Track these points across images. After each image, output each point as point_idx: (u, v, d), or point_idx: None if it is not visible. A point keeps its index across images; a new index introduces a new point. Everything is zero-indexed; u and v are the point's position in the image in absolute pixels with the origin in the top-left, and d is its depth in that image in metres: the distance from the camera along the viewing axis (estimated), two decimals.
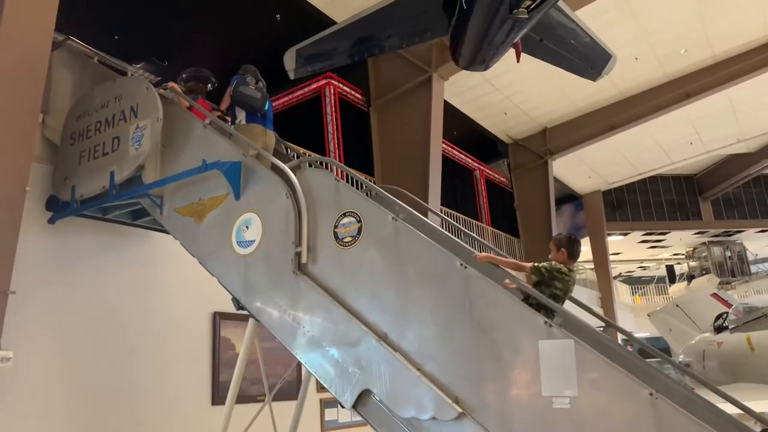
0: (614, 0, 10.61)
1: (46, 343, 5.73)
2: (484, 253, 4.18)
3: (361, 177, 4.86)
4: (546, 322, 3.38)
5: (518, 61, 5.57)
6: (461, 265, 3.80)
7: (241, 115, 5.69)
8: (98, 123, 5.75)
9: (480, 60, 5.60)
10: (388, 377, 3.81)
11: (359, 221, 4.27)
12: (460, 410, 3.48)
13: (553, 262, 4.10)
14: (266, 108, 5.84)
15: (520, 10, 4.38)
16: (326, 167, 5.91)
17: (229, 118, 5.94)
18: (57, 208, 5.93)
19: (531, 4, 4.30)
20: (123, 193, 5.47)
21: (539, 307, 3.73)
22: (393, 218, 4.19)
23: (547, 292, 3.95)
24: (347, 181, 4.89)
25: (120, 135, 5.51)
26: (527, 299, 3.86)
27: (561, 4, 5.24)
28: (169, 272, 7.00)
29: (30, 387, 5.50)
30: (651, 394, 2.99)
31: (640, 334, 18.67)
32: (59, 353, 5.81)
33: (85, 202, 5.71)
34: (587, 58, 6.07)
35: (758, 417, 3.34)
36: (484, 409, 3.45)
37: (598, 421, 3.13)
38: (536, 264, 4.05)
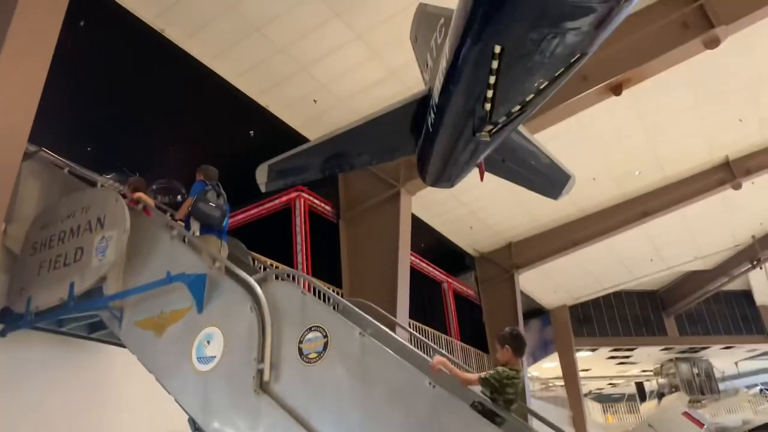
0: (571, 124, 11.30)
1: None
2: (438, 358, 4.06)
3: (329, 290, 4.81)
4: None
5: (482, 179, 5.79)
6: (430, 384, 3.71)
7: (196, 226, 5.70)
8: (62, 233, 5.68)
9: (446, 178, 5.81)
10: None
11: (325, 336, 4.18)
12: None
13: (500, 369, 3.98)
14: (223, 223, 5.87)
15: (483, 133, 4.61)
16: (294, 280, 5.87)
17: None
18: (10, 320, 5.68)
19: (492, 129, 4.54)
20: (82, 304, 5.30)
21: (492, 414, 3.66)
22: (360, 333, 4.12)
23: (501, 400, 3.85)
24: (315, 294, 4.84)
25: (84, 245, 5.43)
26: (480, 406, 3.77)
27: (521, 128, 5.55)
28: (124, 389, 6.63)
29: None
30: None
31: None
32: None
33: (40, 314, 5.50)
34: (547, 177, 6.34)
35: None
36: None
37: None
38: (483, 376, 3.94)
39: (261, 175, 6.08)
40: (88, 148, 10.86)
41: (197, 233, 5.64)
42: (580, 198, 14.62)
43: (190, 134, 11.65)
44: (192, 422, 4.52)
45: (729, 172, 14.53)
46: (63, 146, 7.60)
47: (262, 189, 6.18)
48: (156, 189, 6.49)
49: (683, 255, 19.95)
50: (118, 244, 5.17)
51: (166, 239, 5.26)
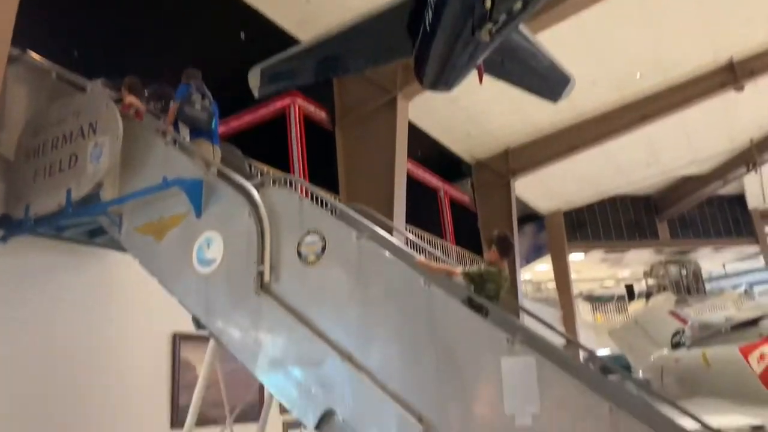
0: (572, 25, 10.91)
1: None
2: (420, 260, 4.18)
3: (326, 195, 4.84)
4: (508, 340, 3.40)
5: (480, 82, 5.67)
6: (425, 283, 3.81)
7: (185, 132, 5.61)
8: (55, 139, 5.61)
9: (444, 81, 5.68)
10: (351, 397, 3.78)
11: (323, 239, 4.25)
12: (423, 428, 3.46)
13: (482, 266, 4.26)
14: (212, 125, 5.75)
15: (482, 33, 4.46)
16: (290, 185, 5.88)
17: None
18: (9, 226, 5.73)
19: (493, 28, 4.39)
20: (80, 210, 5.32)
21: (480, 308, 3.86)
22: (357, 236, 4.18)
23: (483, 295, 4.05)
24: (312, 200, 4.87)
25: (78, 152, 5.38)
26: (468, 301, 3.96)
27: (522, 27, 5.37)
28: (127, 292, 6.82)
29: None
30: (611, 409, 3.03)
31: (601, 351, 18.96)
32: (11, 375, 5.57)
33: (39, 220, 5.54)
34: (547, 80, 6.22)
35: (712, 430, 3.42)
36: (448, 426, 3.45)
37: None
38: (467, 271, 4.17)
39: (253, 79, 5.94)
40: (75, 53, 10.52)
41: (187, 138, 5.57)
42: (579, 102, 14.37)
43: (179, 40, 11.25)
44: (196, 321, 4.68)
45: (732, 74, 14.22)
46: (47, 51, 7.36)
47: (255, 94, 6.07)
48: (148, 95, 6.32)
49: (680, 159, 19.96)
50: (111, 150, 5.13)
51: (160, 145, 5.21)
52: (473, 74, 5.61)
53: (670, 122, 15.76)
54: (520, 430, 3.21)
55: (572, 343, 4.55)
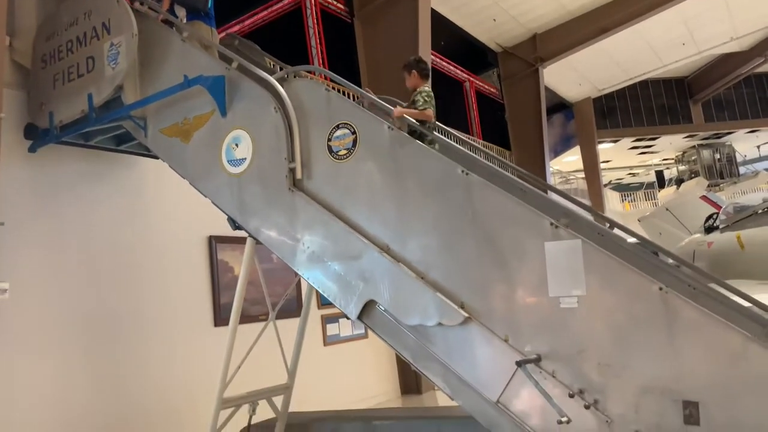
0: None
1: (40, 274, 5.66)
2: (396, 110, 4.16)
3: (353, 86, 4.63)
4: (552, 224, 3.31)
5: None
6: (462, 172, 3.67)
7: (181, 13, 5.31)
8: (69, 42, 5.41)
9: None
10: (391, 287, 3.78)
11: (354, 133, 4.10)
12: (466, 315, 3.47)
13: (425, 88, 4.32)
14: (209, 6, 5.43)
15: None
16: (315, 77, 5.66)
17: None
18: (36, 136, 5.68)
19: None
20: (103, 116, 5.22)
21: (422, 136, 4.05)
22: (389, 128, 4.02)
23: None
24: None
25: (94, 54, 5.19)
26: (413, 133, 4.05)
27: None
28: (160, 197, 6.86)
29: (28, 318, 5.47)
30: (661, 289, 2.97)
31: (630, 240, 18.98)
32: (54, 283, 5.75)
33: (64, 128, 5.46)
34: None
35: (764, 306, 3.35)
36: (491, 312, 3.44)
37: (606, 318, 3.13)
38: (424, 107, 4.20)
39: None
40: None
41: (184, 21, 5.29)
42: None
43: None
44: (232, 221, 4.67)
45: None
46: None
47: None
48: None
49: (718, 37, 18.88)
50: (128, 49, 4.92)
51: (177, 42, 4.98)
52: None
53: None
54: (565, 312, 3.18)
55: (612, 224, 4.44)
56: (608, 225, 3.77)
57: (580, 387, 3.11)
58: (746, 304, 3.15)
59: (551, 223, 3.31)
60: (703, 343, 2.87)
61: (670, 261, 3.57)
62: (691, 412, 2.84)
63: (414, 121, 4.13)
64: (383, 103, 4.30)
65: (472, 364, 3.48)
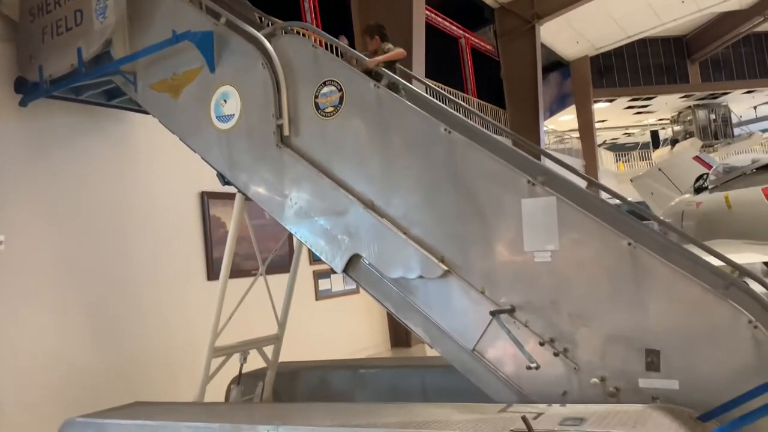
0: None
1: (34, 227, 5.77)
2: (371, 59, 4.33)
3: (341, 43, 4.65)
4: (529, 181, 3.42)
5: None
6: (445, 130, 3.76)
7: None
8: None
9: None
10: (376, 242, 3.91)
11: (340, 90, 4.15)
12: (446, 268, 3.62)
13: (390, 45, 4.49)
14: None
15: None
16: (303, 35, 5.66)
17: None
18: (26, 89, 5.70)
19: None
20: (93, 70, 5.24)
21: (379, 77, 4.20)
22: (375, 85, 4.08)
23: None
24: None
25: (82, 7, 5.18)
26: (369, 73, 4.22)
27: None
28: (152, 154, 6.92)
29: (24, 270, 5.60)
30: (629, 244, 3.11)
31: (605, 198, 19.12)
32: (49, 236, 5.87)
33: (54, 82, 5.48)
34: None
35: (736, 265, 3.51)
36: (469, 266, 3.59)
37: (578, 271, 3.28)
38: (389, 46, 4.44)
39: None
40: None
41: None
42: None
43: None
44: (221, 177, 4.76)
45: None
46: None
47: None
48: None
49: None
50: (116, 3, 4.91)
51: None
52: None
53: None
54: (539, 266, 3.33)
55: (593, 184, 4.55)
56: (587, 184, 3.88)
57: (551, 336, 3.28)
58: (718, 262, 3.31)
59: (528, 181, 3.42)
60: (666, 296, 3.03)
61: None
62: (652, 359, 3.01)
63: (389, 72, 4.25)
64: (357, 53, 4.35)
65: (451, 314, 3.64)
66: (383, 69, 4.26)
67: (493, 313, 3.36)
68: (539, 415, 2.85)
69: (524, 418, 2.64)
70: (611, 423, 2.63)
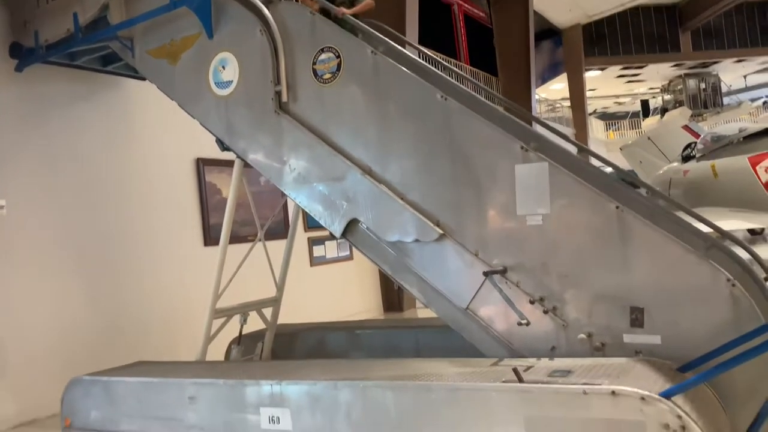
0: None
1: (34, 193, 5.84)
2: (341, 9, 4.38)
3: (334, 7, 4.68)
4: (522, 147, 3.54)
5: None
6: (441, 97, 3.86)
7: None
8: None
9: None
10: (373, 207, 4.04)
11: (338, 57, 4.22)
12: (441, 232, 3.76)
13: None
14: None
15: None
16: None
17: None
18: (22, 55, 5.70)
19: None
20: (89, 36, 5.25)
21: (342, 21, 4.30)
22: (372, 52, 4.15)
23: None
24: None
25: None
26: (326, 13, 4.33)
27: None
28: (147, 120, 6.96)
29: (23, 235, 5.69)
30: (617, 207, 3.26)
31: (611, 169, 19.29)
32: (48, 202, 5.94)
33: (50, 47, 5.49)
34: None
35: (720, 230, 3.67)
36: (463, 229, 3.73)
37: (567, 234, 3.43)
38: None
39: None
40: None
41: None
42: None
43: None
44: (220, 143, 4.84)
45: None
46: None
47: None
48: None
49: None
50: None
51: None
52: None
53: None
54: (530, 229, 3.48)
55: (584, 151, 4.67)
56: (578, 150, 4.00)
57: (540, 295, 3.45)
58: (705, 228, 3.47)
59: (521, 147, 3.54)
60: (650, 256, 3.19)
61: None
62: (636, 316, 3.19)
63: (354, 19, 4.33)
64: (329, 4, 4.39)
65: (445, 275, 3.80)
66: (350, 17, 4.33)
67: (486, 274, 3.52)
68: (529, 367, 3.03)
69: (515, 370, 2.82)
70: (596, 374, 2.81)
